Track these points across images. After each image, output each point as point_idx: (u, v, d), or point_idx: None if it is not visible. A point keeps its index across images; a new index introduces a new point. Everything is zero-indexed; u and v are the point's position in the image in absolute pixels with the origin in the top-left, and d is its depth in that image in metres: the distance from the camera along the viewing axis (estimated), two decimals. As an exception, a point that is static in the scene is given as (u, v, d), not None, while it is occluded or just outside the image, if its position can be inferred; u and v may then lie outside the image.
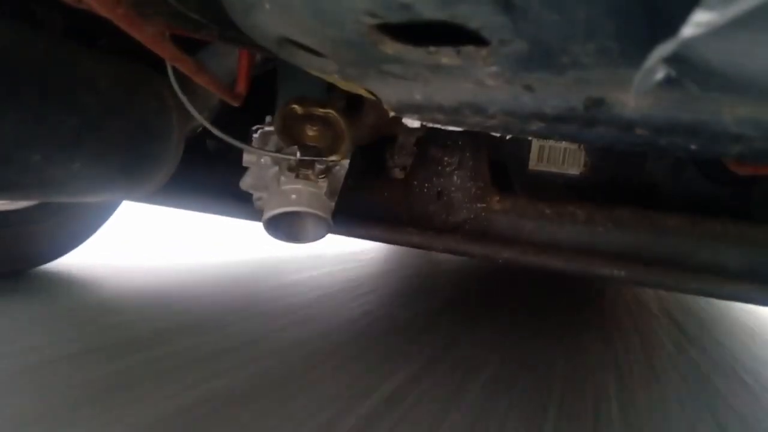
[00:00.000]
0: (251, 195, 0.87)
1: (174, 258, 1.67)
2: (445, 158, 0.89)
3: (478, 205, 0.87)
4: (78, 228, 1.25)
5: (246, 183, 0.85)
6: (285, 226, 0.80)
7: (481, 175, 0.89)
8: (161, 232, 2.18)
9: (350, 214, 0.90)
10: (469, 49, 0.38)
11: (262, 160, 0.82)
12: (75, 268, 1.31)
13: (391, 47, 0.40)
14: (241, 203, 0.93)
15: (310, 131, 0.78)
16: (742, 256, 0.78)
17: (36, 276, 1.20)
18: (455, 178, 0.89)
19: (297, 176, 0.76)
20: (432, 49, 0.39)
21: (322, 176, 0.77)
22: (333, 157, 0.77)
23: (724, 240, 0.79)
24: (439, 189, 0.89)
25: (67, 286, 1.17)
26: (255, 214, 0.86)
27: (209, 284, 1.38)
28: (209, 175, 1.01)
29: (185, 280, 1.39)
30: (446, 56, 0.40)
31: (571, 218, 0.85)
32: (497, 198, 0.88)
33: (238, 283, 1.45)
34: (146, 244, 1.86)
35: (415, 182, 0.90)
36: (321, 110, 0.76)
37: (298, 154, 0.75)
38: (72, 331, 0.89)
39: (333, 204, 0.80)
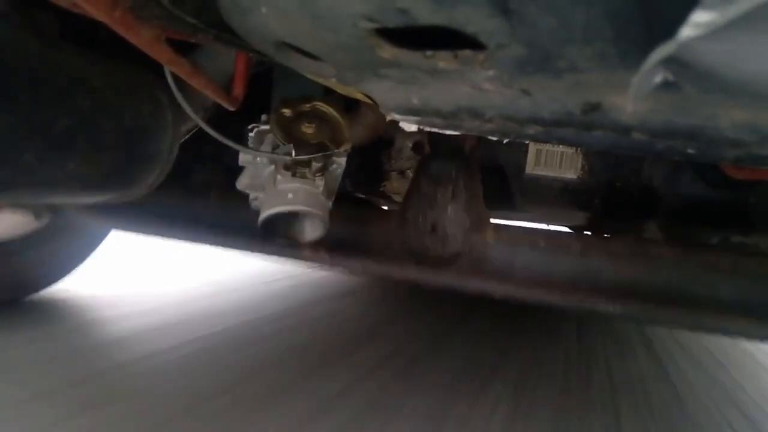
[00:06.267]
0: (248, 230, 0.85)
1: (161, 284, 1.61)
2: (439, 191, 0.88)
3: (473, 237, 0.86)
4: (68, 256, 1.23)
5: (242, 183, 0.85)
6: (282, 226, 0.79)
7: (475, 206, 0.88)
8: (151, 257, 2.09)
9: (346, 249, 0.89)
10: (467, 53, 0.38)
11: (258, 159, 0.81)
12: (64, 296, 1.27)
13: (389, 51, 0.40)
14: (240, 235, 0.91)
15: (307, 128, 0.77)
16: (737, 289, 0.76)
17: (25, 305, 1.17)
18: (449, 210, 0.87)
19: (293, 175, 0.75)
20: (429, 53, 0.39)
21: (319, 174, 0.76)
22: (333, 151, 0.76)
23: (719, 272, 0.78)
24: (434, 222, 0.88)
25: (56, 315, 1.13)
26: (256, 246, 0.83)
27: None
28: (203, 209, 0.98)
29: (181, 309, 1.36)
30: (443, 60, 0.40)
31: (566, 250, 0.84)
32: (492, 229, 0.88)
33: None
34: (133, 269, 1.79)
35: (410, 215, 0.89)
36: (314, 106, 0.75)
37: (294, 153, 0.74)
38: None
39: (330, 203, 0.80)
